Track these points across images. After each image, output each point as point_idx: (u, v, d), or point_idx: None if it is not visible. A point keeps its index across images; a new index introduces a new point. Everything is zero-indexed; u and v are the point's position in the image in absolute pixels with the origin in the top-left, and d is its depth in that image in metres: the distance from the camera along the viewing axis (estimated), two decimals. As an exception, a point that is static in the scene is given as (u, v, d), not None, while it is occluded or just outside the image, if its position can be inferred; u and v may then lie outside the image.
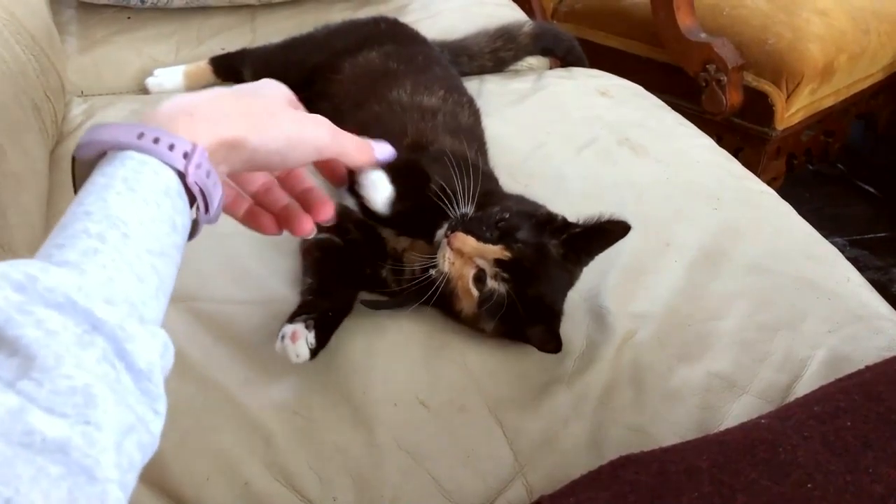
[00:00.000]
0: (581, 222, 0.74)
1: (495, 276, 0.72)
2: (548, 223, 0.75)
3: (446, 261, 0.73)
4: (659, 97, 1.27)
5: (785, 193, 1.05)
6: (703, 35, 1.58)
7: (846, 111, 1.83)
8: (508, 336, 0.75)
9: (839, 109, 1.78)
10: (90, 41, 1.29)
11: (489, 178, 0.88)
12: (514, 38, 1.28)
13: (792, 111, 1.60)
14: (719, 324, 0.80)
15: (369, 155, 0.61)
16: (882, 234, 1.95)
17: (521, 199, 0.82)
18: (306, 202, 0.61)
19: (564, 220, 0.76)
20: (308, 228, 0.61)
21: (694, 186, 1.00)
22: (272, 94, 0.56)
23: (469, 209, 0.75)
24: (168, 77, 1.21)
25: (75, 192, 0.46)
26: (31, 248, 0.42)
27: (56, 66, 1.11)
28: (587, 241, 0.75)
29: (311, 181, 0.62)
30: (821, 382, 0.67)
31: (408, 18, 1.27)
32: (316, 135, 0.55)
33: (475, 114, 1.04)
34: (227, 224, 0.84)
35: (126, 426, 0.37)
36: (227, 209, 0.60)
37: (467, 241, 0.72)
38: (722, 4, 1.66)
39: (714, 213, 0.95)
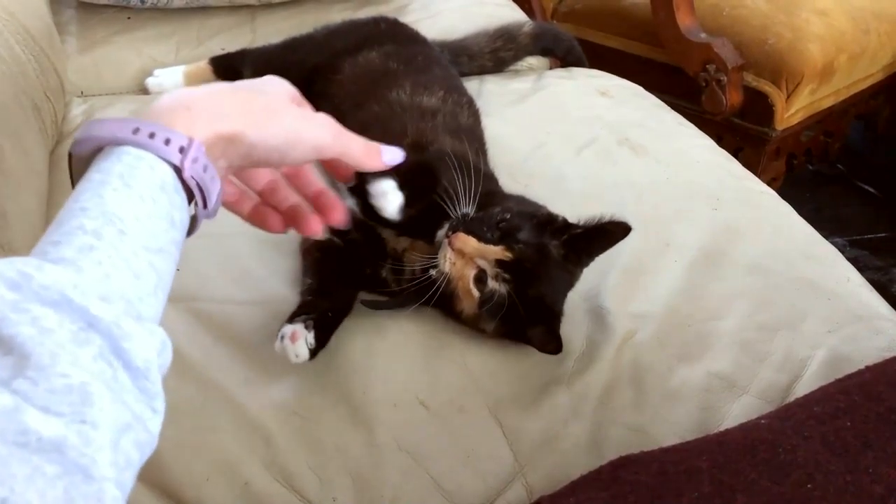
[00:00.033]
0: (582, 223, 0.74)
1: (496, 277, 0.72)
2: (548, 224, 0.75)
3: (447, 261, 0.73)
4: (659, 97, 1.27)
5: (785, 194, 1.05)
6: (702, 35, 1.58)
7: (846, 111, 1.83)
8: (509, 337, 0.75)
9: (839, 110, 1.78)
10: (90, 41, 1.29)
11: (490, 179, 0.88)
12: (513, 39, 1.28)
13: (792, 111, 1.60)
14: (719, 324, 0.80)
15: (377, 159, 0.59)
16: (882, 235, 1.95)
17: (521, 200, 0.82)
18: (318, 205, 0.60)
19: (565, 220, 0.76)
20: (316, 228, 0.60)
21: (694, 186, 1.00)
22: (275, 90, 0.56)
23: (470, 209, 0.75)
24: (168, 77, 1.21)
25: (73, 187, 0.46)
26: (30, 249, 0.42)
27: (56, 67, 1.11)
28: (588, 242, 0.75)
29: (323, 184, 0.61)
30: (821, 383, 0.67)
31: (408, 18, 1.27)
32: (316, 134, 0.54)
33: (475, 114, 1.04)
34: (228, 224, 0.84)
35: (123, 424, 0.37)
36: (232, 207, 0.59)
37: (469, 242, 0.72)
38: (722, 4, 1.66)
39: (714, 214, 0.95)
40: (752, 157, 1.64)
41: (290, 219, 0.60)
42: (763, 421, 0.61)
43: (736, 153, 1.60)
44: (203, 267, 0.81)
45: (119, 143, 0.46)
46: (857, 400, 0.60)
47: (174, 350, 0.43)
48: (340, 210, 0.60)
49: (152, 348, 0.40)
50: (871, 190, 2.11)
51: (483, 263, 0.72)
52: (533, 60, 1.36)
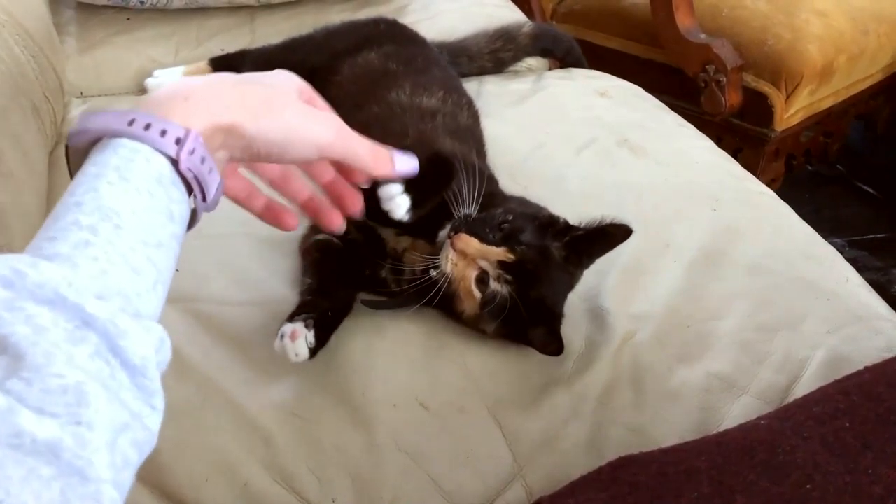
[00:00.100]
0: (583, 225, 0.74)
1: (498, 278, 0.72)
2: (550, 226, 0.75)
3: (449, 262, 0.73)
4: (658, 98, 1.27)
5: (784, 194, 1.05)
6: (702, 36, 1.58)
7: (845, 112, 1.83)
8: (510, 338, 0.75)
9: (838, 110, 1.78)
10: (89, 42, 1.29)
11: (491, 180, 0.88)
12: (513, 39, 1.28)
13: (791, 112, 1.60)
14: (719, 324, 0.80)
15: (386, 166, 0.57)
16: (881, 235, 1.95)
17: (523, 201, 0.82)
18: (332, 194, 0.59)
19: (566, 222, 0.76)
20: (337, 223, 0.59)
21: (693, 187, 1.00)
22: (281, 84, 0.54)
23: (472, 210, 0.75)
24: (168, 78, 1.20)
25: (71, 179, 0.45)
26: (30, 249, 0.42)
27: (55, 67, 1.11)
28: (589, 244, 0.75)
29: (335, 171, 0.60)
30: (820, 383, 0.67)
31: (407, 19, 1.27)
32: (318, 132, 0.52)
33: (474, 115, 1.04)
34: (227, 224, 0.84)
35: (120, 424, 0.37)
36: (244, 203, 0.58)
37: (471, 243, 0.72)
38: (721, 5, 1.66)
39: (713, 214, 0.95)
40: (751, 158, 1.64)
41: (311, 213, 0.59)
42: (762, 421, 0.61)
43: (735, 154, 1.60)
44: (202, 267, 0.81)
45: (115, 134, 0.45)
46: (857, 400, 0.60)
47: (173, 350, 0.43)
48: (357, 198, 0.59)
49: (149, 345, 0.40)
50: (870, 190, 2.11)
51: (485, 264, 0.72)
52: (532, 61, 1.36)
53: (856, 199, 2.09)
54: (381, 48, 1.09)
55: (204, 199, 0.48)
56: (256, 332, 0.74)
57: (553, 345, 0.72)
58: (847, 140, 1.96)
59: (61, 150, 1.05)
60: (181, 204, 0.46)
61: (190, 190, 0.47)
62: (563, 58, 1.36)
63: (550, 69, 1.38)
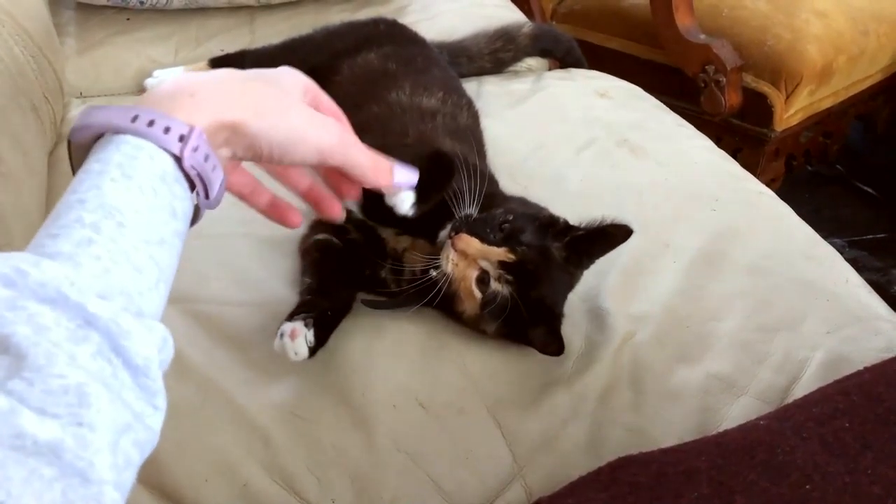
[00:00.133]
0: (583, 225, 0.74)
1: (499, 279, 0.72)
2: (550, 226, 0.75)
3: (449, 262, 0.73)
4: (658, 98, 1.27)
5: (784, 194, 1.05)
6: (702, 36, 1.58)
7: (845, 112, 1.84)
8: (510, 338, 0.75)
9: (838, 110, 1.78)
10: (89, 42, 1.29)
11: (491, 180, 0.88)
12: (513, 40, 1.28)
13: (791, 112, 1.60)
14: (718, 325, 0.80)
15: (386, 178, 0.57)
16: (881, 235, 1.95)
17: (523, 202, 0.82)
18: (331, 182, 0.59)
19: (566, 222, 0.76)
20: (338, 212, 0.59)
21: (693, 187, 1.00)
22: (287, 83, 0.54)
23: (473, 211, 0.75)
24: (168, 78, 1.21)
25: (73, 174, 0.45)
26: (30, 250, 0.41)
27: (55, 67, 1.11)
28: (589, 245, 0.75)
29: None
30: (819, 383, 0.67)
31: (407, 20, 1.27)
32: (320, 136, 0.52)
33: (474, 115, 1.04)
34: (227, 224, 0.84)
35: (122, 425, 0.37)
36: (247, 199, 0.58)
37: (471, 243, 0.72)
38: (721, 5, 1.66)
39: (713, 214, 0.95)
40: (751, 158, 1.64)
41: (311, 200, 0.59)
42: (762, 422, 0.61)
43: (735, 154, 1.60)
44: (202, 268, 0.81)
45: (117, 130, 0.45)
46: (856, 401, 0.60)
47: (174, 350, 0.42)
48: (336, 207, 0.60)
49: (152, 345, 0.39)
50: (870, 191, 2.10)
51: (486, 265, 0.72)
52: (532, 61, 1.36)
53: (855, 200, 2.09)
54: (381, 48, 1.09)
55: (207, 196, 0.48)
56: (256, 333, 0.74)
57: (553, 345, 0.72)
58: (847, 140, 1.96)
59: (61, 151, 1.05)
60: (184, 201, 0.46)
61: (192, 187, 0.47)
62: (562, 58, 1.36)
63: (550, 69, 1.38)
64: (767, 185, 1.08)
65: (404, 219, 0.73)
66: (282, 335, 0.68)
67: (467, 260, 0.72)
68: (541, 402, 0.71)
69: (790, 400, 0.71)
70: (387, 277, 0.80)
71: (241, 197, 0.58)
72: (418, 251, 0.77)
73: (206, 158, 0.46)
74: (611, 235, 0.74)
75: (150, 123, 0.45)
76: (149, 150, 0.44)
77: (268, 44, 1.22)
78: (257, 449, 0.66)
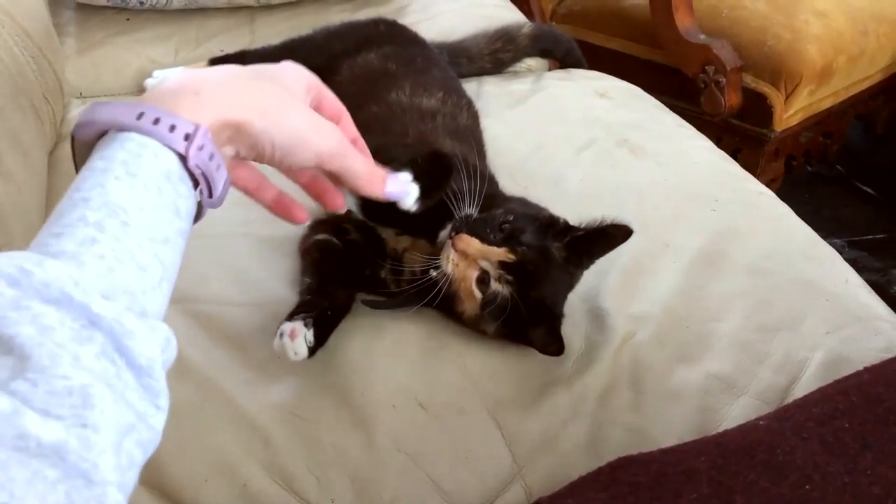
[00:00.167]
0: (583, 226, 0.74)
1: (499, 279, 0.72)
2: (550, 226, 0.75)
3: (450, 262, 0.73)
4: (658, 99, 1.27)
5: (783, 195, 1.05)
6: (701, 36, 1.58)
7: (845, 112, 1.84)
8: (510, 338, 0.75)
9: (838, 111, 1.78)
10: (89, 42, 1.29)
11: (491, 181, 0.88)
12: (512, 40, 1.28)
13: (790, 112, 1.60)
14: (718, 325, 0.80)
15: (378, 187, 0.58)
16: (881, 236, 1.95)
17: (523, 202, 0.82)
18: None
19: (567, 223, 0.76)
20: (339, 203, 0.59)
21: (693, 188, 1.01)
22: (290, 80, 0.54)
23: (473, 211, 0.75)
24: (170, 76, 1.21)
25: (76, 171, 0.45)
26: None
27: (54, 68, 1.11)
28: (589, 245, 0.75)
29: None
30: (819, 384, 0.67)
31: (407, 20, 1.27)
32: (319, 140, 0.52)
33: (474, 115, 1.04)
34: (227, 225, 0.84)
35: (126, 426, 0.37)
36: (253, 195, 0.58)
37: (472, 243, 0.72)
38: (721, 6, 1.66)
39: (713, 215, 0.95)
40: (750, 159, 1.64)
41: (313, 193, 0.59)
42: (762, 422, 0.61)
43: (735, 154, 1.60)
44: (202, 268, 0.81)
45: (122, 128, 0.44)
46: (856, 401, 0.60)
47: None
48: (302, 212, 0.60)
49: (155, 345, 0.39)
50: (869, 191, 2.10)
51: (486, 265, 0.72)
52: (532, 62, 1.36)
53: (855, 200, 2.09)
54: (381, 49, 1.09)
55: (210, 195, 0.48)
56: (256, 333, 0.74)
57: (554, 345, 0.72)
58: (846, 140, 1.96)
59: (60, 151, 1.05)
60: (188, 199, 0.46)
61: (196, 185, 0.47)
62: (562, 58, 1.36)
63: (550, 70, 1.38)
64: (767, 185, 1.09)
65: (404, 219, 0.73)
66: (281, 335, 0.68)
67: (467, 260, 0.72)
68: (541, 402, 0.72)
69: (790, 400, 0.71)
70: (387, 278, 0.80)
71: (247, 192, 0.57)
72: (418, 251, 0.77)
73: (211, 157, 0.46)
74: (611, 236, 0.74)
75: (156, 121, 0.44)
76: (154, 148, 0.44)
77: (268, 44, 1.21)
78: (257, 449, 0.66)
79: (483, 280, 0.72)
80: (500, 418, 0.70)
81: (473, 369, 0.74)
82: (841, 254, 0.93)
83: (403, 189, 0.61)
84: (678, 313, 0.81)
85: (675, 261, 0.87)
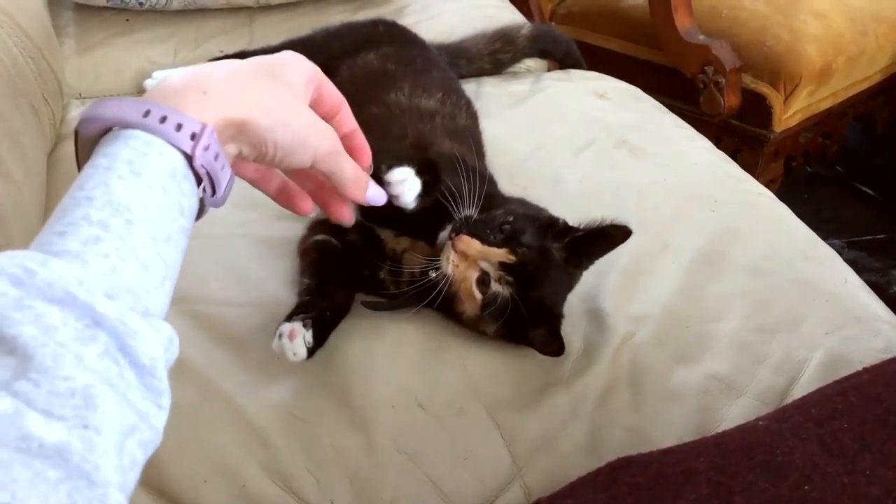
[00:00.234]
0: (583, 226, 0.75)
1: (499, 280, 0.72)
2: (550, 227, 0.75)
3: (450, 263, 0.73)
4: (657, 99, 1.27)
5: (783, 195, 1.05)
6: (701, 37, 1.58)
7: (844, 113, 1.84)
8: (510, 339, 0.75)
9: (837, 111, 1.78)
10: (88, 43, 1.29)
11: (490, 181, 0.88)
12: (512, 41, 1.28)
13: (790, 113, 1.60)
14: (717, 325, 0.80)
15: (361, 191, 0.59)
16: (880, 236, 1.95)
17: (523, 203, 0.82)
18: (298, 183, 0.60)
19: (566, 223, 0.76)
20: (346, 215, 0.60)
21: (692, 188, 1.01)
22: (292, 75, 0.53)
23: (473, 212, 0.75)
24: (174, 73, 1.21)
25: (79, 168, 0.44)
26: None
27: (54, 69, 1.11)
28: (589, 245, 0.75)
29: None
30: (818, 384, 0.67)
31: (406, 20, 1.27)
32: (318, 141, 0.52)
33: (473, 116, 1.04)
34: (226, 225, 0.84)
35: (128, 426, 0.37)
36: (257, 184, 0.58)
37: (472, 244, 0.72)
38: (720, 6, 1.66)
39: (712, 215, 0.95)
40: (750, 159, 1.64)
41: (319, 202, 0.59)
42: (761, 423, 0.61)
43: (734, 155, 1.60)
44: (201, 268, 0.81)
45: (128, 125, 0.44)
46: (855, 402, 0.61)
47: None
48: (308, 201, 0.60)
49: (158, 345, 0.39)
50: (869, 191, 2.10)
51: (486, 266, 0.72)
52: (531, 62, 1.36)
53: (855, 201, 2.09)
54: (380, 49, 1.09)
55: (213, 194, 0.48)
56: (255, 333, 0.74)
57: (554, 345, 0.72)
58: (846, 141, 1.96)
59: (60, 151, 1.05)
60: (191, 198, 0.46)
61: (199, 182, 0.47)
62: (561, 59, 1.36)
63: (549, 70, 1.38)
64: (766, 185, 1.09)
65: (403, 220, 0.73)
66: (280, 336, 0.68)
67: (468, 261, 0.72)
68: (540, 402, 0.72)
69: (789, 400, 0.71)
70: (386, 279, 0.80)
71: (253, 182, 0.57)
72: (418, 252, 0.77)
73: (217, 157, 0.46)
74: (610, 236, 0.74)
75: (163, 119, 0.44)
76: (159, 146, 0.44)
77: (267, 45, 1.21)
78: (256, 449, 0.66)
79: (483, 281, 0.72)
80: (500, 419, 0.70)
81: (473, 370, 0.74)
82: (840, 254, 0.93)
83: (381, 198, 0.63)
84: (678, 314, 0.81)
85: (674, 261, 0.87)
